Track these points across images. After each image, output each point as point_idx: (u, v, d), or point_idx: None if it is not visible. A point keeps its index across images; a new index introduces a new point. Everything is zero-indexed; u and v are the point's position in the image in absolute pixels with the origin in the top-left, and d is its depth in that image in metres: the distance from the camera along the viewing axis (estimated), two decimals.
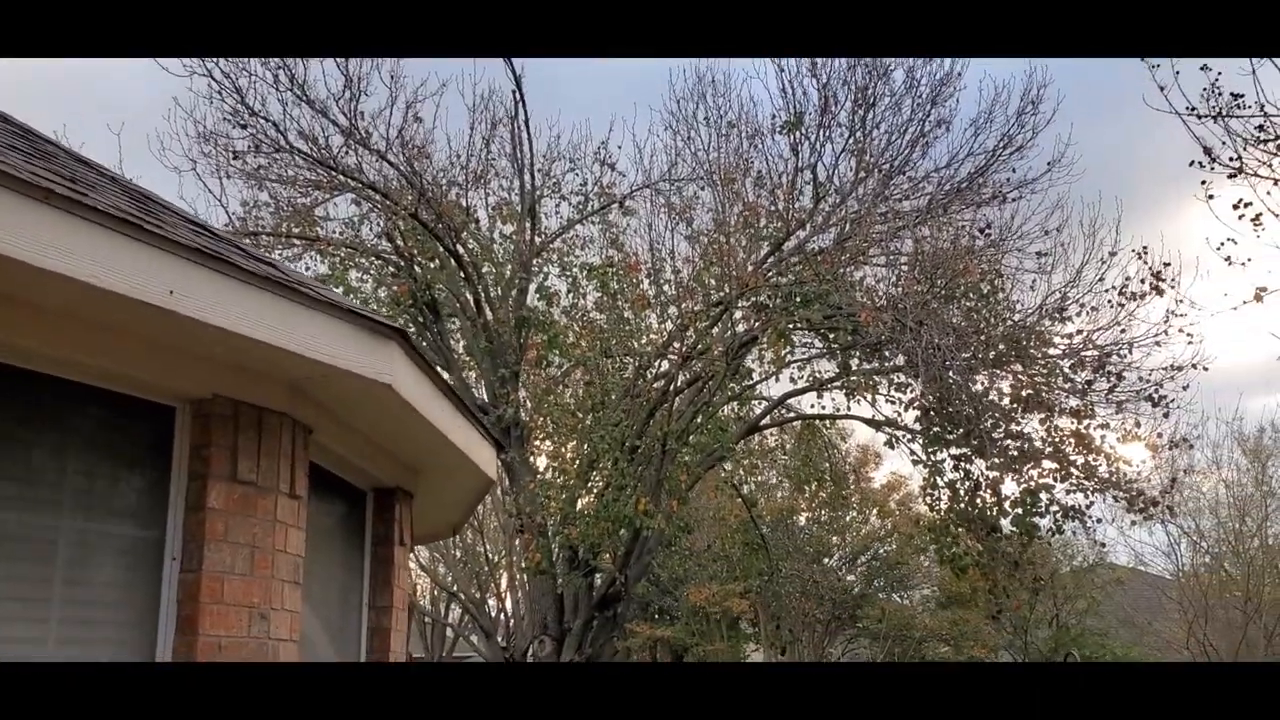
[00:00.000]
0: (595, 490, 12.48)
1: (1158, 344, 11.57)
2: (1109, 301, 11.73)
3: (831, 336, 12.48)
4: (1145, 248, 11.47)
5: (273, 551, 3.70)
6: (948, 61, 12.88)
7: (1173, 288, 11.26)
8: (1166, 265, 11.32)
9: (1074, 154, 13.03)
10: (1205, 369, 11.63)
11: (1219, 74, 6.58)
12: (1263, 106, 6.24)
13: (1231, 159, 6.53)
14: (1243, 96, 6.34)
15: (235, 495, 3.59)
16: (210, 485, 3.51)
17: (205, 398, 3.57)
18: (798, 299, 11.57)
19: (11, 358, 3.06)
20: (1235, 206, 6.78)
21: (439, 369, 14.21)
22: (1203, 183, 6.78)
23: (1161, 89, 6.29)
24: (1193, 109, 6.51)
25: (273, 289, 3.29)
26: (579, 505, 12.28)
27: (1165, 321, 11.42)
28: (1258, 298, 6.78)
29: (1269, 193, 6.53)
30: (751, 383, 13.66)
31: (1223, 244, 6.99)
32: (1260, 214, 6.68)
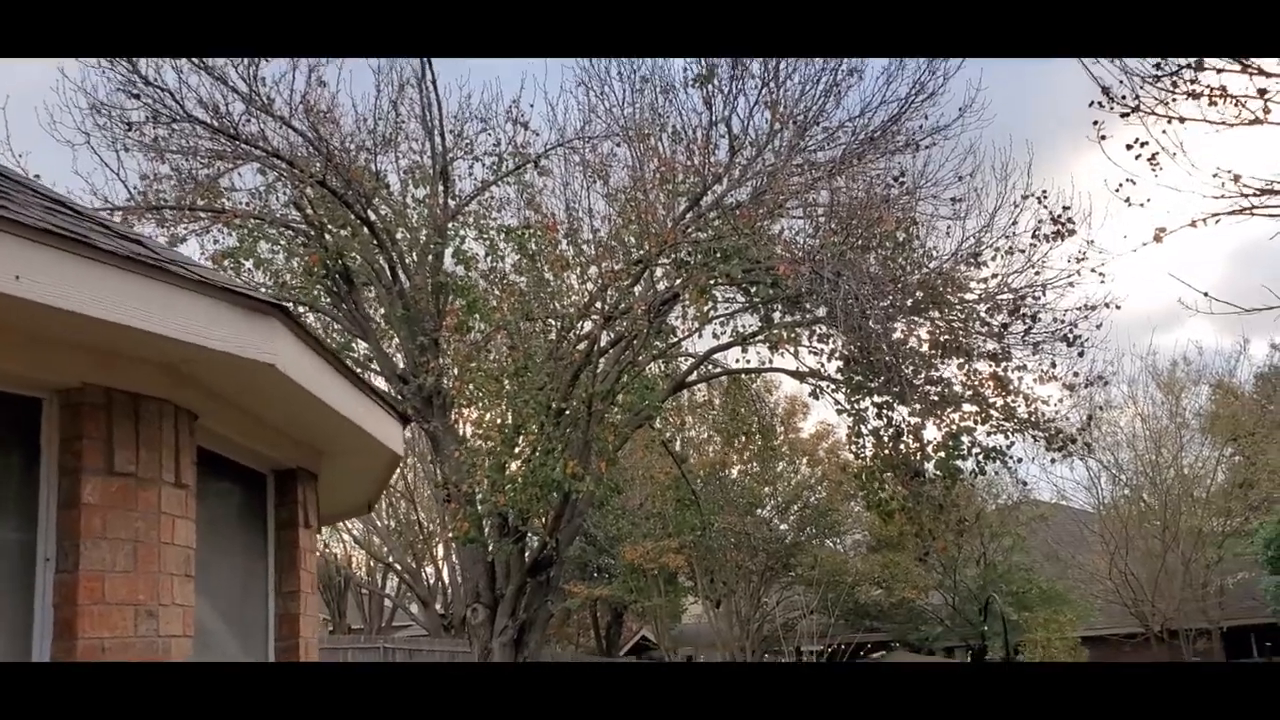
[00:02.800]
0: (523, 456, 12.34)
1: (1071, 284, 11.75)
2: (1020, 248, 11.85)
3: (752, 291, 12.44)
4: (1044, 192, 11.58)
5: (158, 545, 3.52)
6: None
7: (1073, 232, 11.41)
8: (1065, 209, 11.46)
9: (985, 99, 13.05)
10: (1118, 307, 11.87)
11: None
12: None
13: (1126, 99, 6.53)
14: None
15: (113, 488, 3.40)
16: (84, 479, 3.32)
17: (74, 386, 3.37)
18: (718, 254, 11.48)
19: None
20: (1129, 147, 6.79)
21: (356, 339, 14.00)
22: (1095, 123, 6.78)
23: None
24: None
25: (136, 269, 3.09)
26: (507, 472, 12.14)
27: (1078, 262, 11.59)
28: (1157, 238, 6.83)
29: (1164, 131, 6.55)
30: (675, 340, 13.61)
31: (1120, 185, 7.01)
32: (1156, 154, 6.70)
